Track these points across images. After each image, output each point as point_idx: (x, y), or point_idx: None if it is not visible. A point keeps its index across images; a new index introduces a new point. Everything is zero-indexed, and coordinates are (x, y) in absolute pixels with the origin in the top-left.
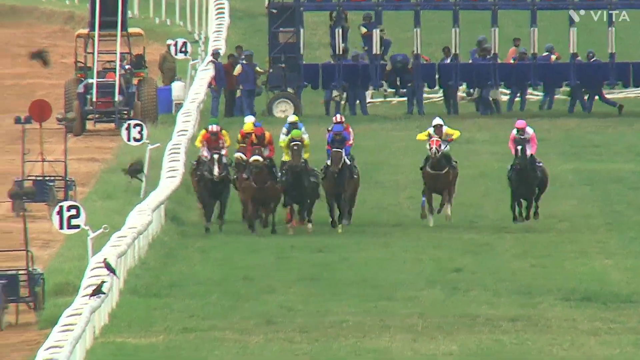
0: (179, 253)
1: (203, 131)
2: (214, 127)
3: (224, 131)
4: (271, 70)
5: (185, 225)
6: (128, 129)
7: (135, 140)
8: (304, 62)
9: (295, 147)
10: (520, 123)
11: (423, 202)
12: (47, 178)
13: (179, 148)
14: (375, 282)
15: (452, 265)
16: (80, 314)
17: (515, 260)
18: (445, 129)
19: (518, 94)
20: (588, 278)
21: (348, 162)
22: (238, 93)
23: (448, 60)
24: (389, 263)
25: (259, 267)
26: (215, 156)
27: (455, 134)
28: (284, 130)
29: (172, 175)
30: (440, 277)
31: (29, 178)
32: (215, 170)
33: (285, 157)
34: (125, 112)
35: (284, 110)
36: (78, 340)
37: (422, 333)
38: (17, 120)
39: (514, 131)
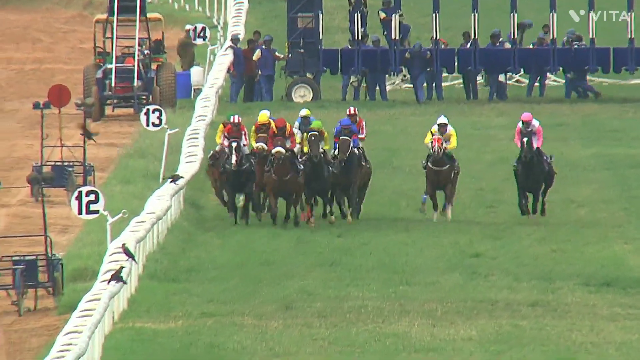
0: (198, 238)
1: (221, 126)
2: (235, 118)
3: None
4: (290, 56)
5: (204, 210)
6: (147, 114)
7: (154, 125)
8: (323, 47)
9: (313, 138)
10: (526, 115)
11: (424, 198)
12: (66, 163)
13: (198, 133)
14: (395, 267)
15: (472, 250)
16: (99, 300)
17: (535, 245)
18: (449, 129)
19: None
20: (608, 263)
21: (356, 151)
22: (257, 78)
23: (468, 46)
24: (409, 248)
25: (278, 252)
26: (234, 144)
27: (453, 143)
28: (296, 124)
29: (191, 160)
30: (460, 262)
31: (48, 163)
32: (233, 159)
33: (305, 149)
34: (144, 97)
35: (302, 95)
36: (97, 325)
37: (441, 318)
38: (36, 106)
39: (520, 124)
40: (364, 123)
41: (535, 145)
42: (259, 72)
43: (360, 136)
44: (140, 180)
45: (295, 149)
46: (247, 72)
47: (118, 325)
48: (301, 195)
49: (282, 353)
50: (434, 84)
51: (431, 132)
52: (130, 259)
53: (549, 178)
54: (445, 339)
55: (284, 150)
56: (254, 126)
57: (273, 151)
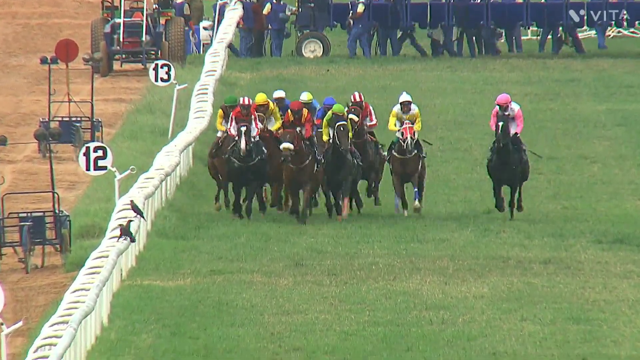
0: (207, 194)
1: (220, 110)
2: (245, 100)
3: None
4: (300, 10)
5: None
6: (155, 69)
7: (163, 80)
8: (333, 2)
9: (342, 129)
10: (502, 98)
11: (397, 203)
12: (74, 119)
13: (207, 89)
14: (406, 224)
15: (484, 207)
16: (107, 257)
17: (547, 202)
18: (414, 108)
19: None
20: (621, 220)
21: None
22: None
23: (478, 0)
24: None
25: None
26: (243, 128)
27: (418, 126)
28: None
29: (200, 116)
30: (471, 219)
31: (55, 119)
32: (242, 144)
33: (324, 138)
34: (153, 52)
35: (312, 50)
36: (105, 283)
37: (453, 275)
38: (43, 61)
39: (496, 107)
40: (371, 108)
41: (513, 131)
42: (269, 27)
43: (370, 123)
44: (149, 136)
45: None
46: (256, 27)
47: (126, 282)
48: (317, 187)
49: (291, 311)
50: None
51: (396, 114)
52: (138, 216)
53: (524, 172)
54: (457, 296)
55: (292, 146)
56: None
57: (281, 147)
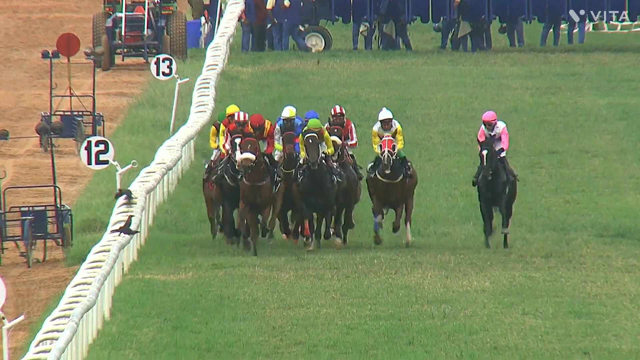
0: None
1: (213, 128)
2: (240, 115)
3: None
4: (302, 5)
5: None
6: (157, 63)
7: (164, 74)
8: None
9: (310, 140)
10: (488, 115)
11: (376, 225)
12: (75, 113)
13: (209, 83)
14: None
15: None
16: (109, 251)
17: (549, 195)
18: (395, 124)
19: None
20: (622, 214)
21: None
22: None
23: None
24: (421, 198)
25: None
26: (237, 140)
27: (400, 143)
28: (277, 128)
29: (201, 110)
30: (473, 212)
31: (57, 113)
32: (238, 156)
33: (302, 154)
34: (154, 46)
35: (314, 44)
36: (106, 277)
37: (454, 269)
38: (45, 55)
39: (482, 126)
40: (352, 126)
41: (498, 151)
42: (275, 20)
43: (350, 142)
44: (150, 130)
45: (277, 156)
46: (258, 21)
47: (127, 276)
48: (277, 208)
49: (293, 305)
50: (448, 33)
51: (377, 134)
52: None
53: (511, 191)
54: (459, 290)
55: (253, 157)
56: (221, 124)
57: (240, 157)
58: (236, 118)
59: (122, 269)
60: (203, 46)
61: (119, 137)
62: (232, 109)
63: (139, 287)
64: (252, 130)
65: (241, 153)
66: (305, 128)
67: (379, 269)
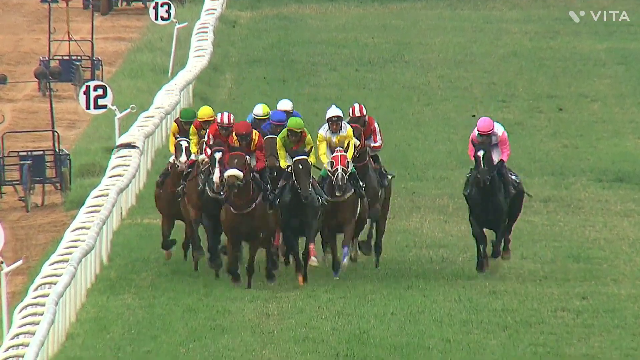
0: None
1: (174, 125)
2: (225, 117)
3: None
4: None
5: (214, 104)
6: (155, 7)
7: (163, 19)
8: None
9: (301, 167)
10: (484, 125)
11: (345, 253)
12: (74, 57)
13: (207, 27)
14: (406, 162)
15: None
16: (107, 195)
17: (547, 140)
18: (345, 127)
19: None
20: (621, 159)
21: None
22: None
23: None
24: (420, 143)
25: None
26: (217, 155)
27: (351, 151)
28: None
29: (200, 54)
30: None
31: (56, 57)
32: (217, 175)
33: (281, 163)
34: None
35: None
36: (105, 221)
37: (452, 214)
38: None
39: (475, 132)
40: (376, 125)
41: (496, 160)
42: None
43: (374, 144)
44: (149, 74)
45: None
46: None
47: (126, 221)
48: (272, 235)
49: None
50: None
51: (324, 139)
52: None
53: (516, 205)
54: (457, 235)
55: (240, 174)
56: (192, 126)
57: (225, 174)
58: (220, 120)
59: (121, 213)
60: None
61: (118, 82)
62: (205, 111)
63: (138, 232)
64: (237, 141)
65: (224, 170)
66: (287, 133)
67: None
